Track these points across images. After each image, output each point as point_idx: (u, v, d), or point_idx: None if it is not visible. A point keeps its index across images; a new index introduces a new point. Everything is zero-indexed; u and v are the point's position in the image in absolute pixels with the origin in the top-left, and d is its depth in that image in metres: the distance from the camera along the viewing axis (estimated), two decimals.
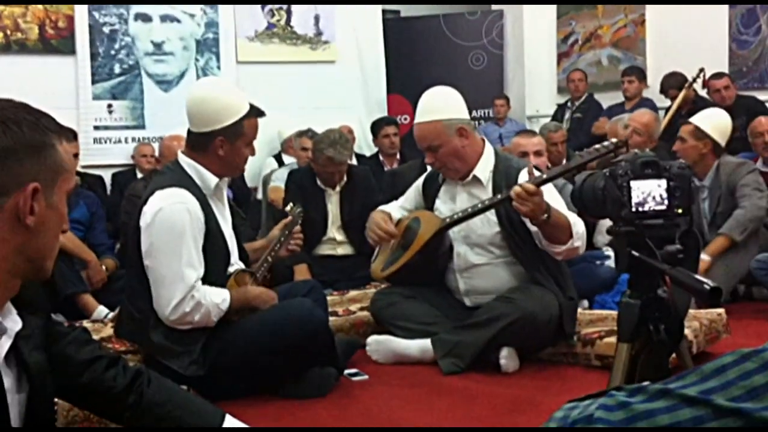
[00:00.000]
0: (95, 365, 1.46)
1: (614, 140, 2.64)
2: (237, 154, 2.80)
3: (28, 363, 1.26)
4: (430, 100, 3.17)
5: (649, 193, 1.62)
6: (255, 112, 2.82)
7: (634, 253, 1.60)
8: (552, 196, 2.96)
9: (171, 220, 2.61)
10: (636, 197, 1.61)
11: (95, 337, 2.69)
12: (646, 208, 1.62)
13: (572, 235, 2.91)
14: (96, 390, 1.45)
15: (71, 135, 3.95)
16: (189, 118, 2.81)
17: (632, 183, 1.61)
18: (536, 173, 2.90)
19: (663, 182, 1.62)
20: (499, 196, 3.01)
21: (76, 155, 4.45)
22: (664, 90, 6.45)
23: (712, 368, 0.85)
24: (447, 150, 3.11)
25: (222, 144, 2.75)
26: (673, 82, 6.35)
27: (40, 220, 1.23)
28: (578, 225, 2.94)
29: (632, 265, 1.64)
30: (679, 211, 1.63)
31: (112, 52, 6.60)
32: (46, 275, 1.29)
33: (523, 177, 2.90)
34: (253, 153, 2.87)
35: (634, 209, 1.61)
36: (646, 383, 0.93)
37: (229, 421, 1.54)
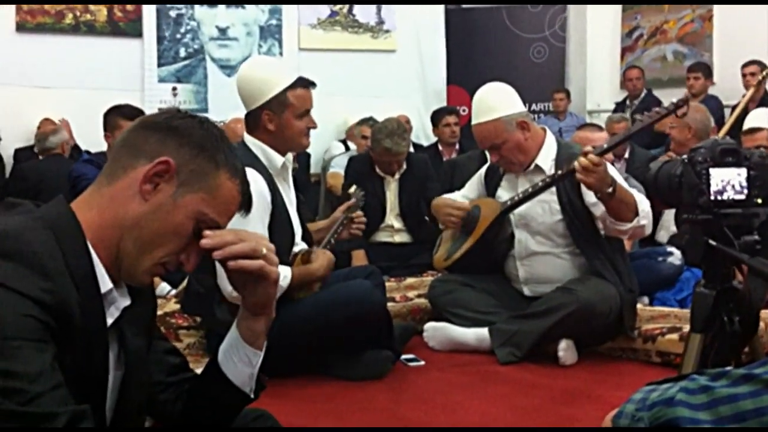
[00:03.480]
0: (176, 389, 1.44)
1: (673, 100, 2.62)
2: (287, 126, 2.79)
3: (127, 345, 1.27)
4: (484, 99, 3.14)
5: (728, 181, 1.59)
6: (300, 83, 2.82)
7: (711, 242, 1.57)
8: (615, 174, 2.94)
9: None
10: (715, 185, 1.58)
11: (158, 312, 2.76)
12: (725, 196, 1.59)
13: (638, 213, 2.88)
14: (161, 401, 1.44)
15: (134, 115, 4.01)
16: (241, 99, 2.86)
17: (711, 170, 1.58)
18: None
19: (743, 171, 1.59)
20: (560, 171, 2.99)
21: None
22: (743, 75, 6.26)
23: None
24: (510, 146, 3.09)
25: (270, 118, 2.77)
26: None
27: (156, 202, 1.21)
28: (644, 203, 2.91)
29: (707, 255, 1.60)
30: (759, 201, 1.59)
31: (178, 36, 6.72)
32: (132, 280, 1.24)
33: None
34: (312, 125, 2.86)
35: (712, 197, 1.58)
36: (729, 368, 0.92)
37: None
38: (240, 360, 1.37)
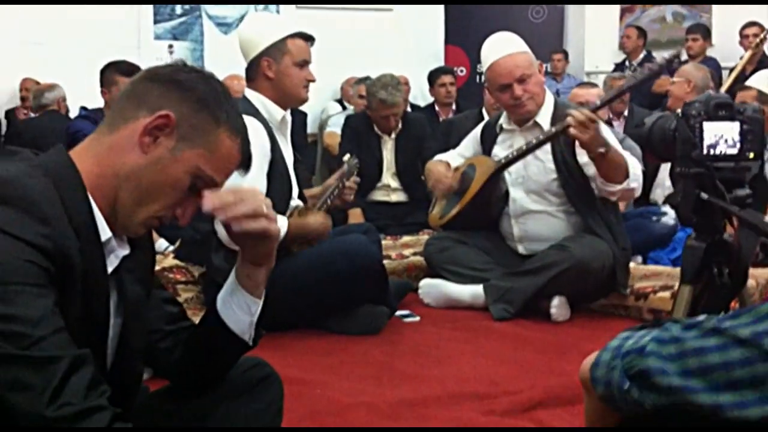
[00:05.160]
0: (174, 338, 1.45)
1: (665, 56, 2.64)
2: (286, 74, 2.82)
3: (126, 293, 1.28)
4: (509, 36, 3.18)
5: (721, 135, 1.61)
6: (300, 35, 2.85)
7: (703, 195, 1.59)
8: (608, 135, 2.96)
9: None
10: (708, 139, 1.60)
11: (156, 267, 2.78)
12: (718, 150, 1.61)
13: (628, 175, 2.90)
14: (160, 349, 1.45)
15: (131, 71, 3.98)
16: (242, 52, 2.89)
17: (705, 124, 1.59)
18: None
19: (736, 125, 1.60)
20: (554, 128, 3.00)
21: None
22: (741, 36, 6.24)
23: (767, 310, 0.86)
24: (536, 80, 3.11)
25: (269, 64, 2.80)
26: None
27: (155, 155, 1.21)
28: (635, 166, 2.94)
29: (699, 208, 1.63)
30: (751, 155, 1.61)
31: None
32: (127, 231, 1.24)
33: None
34: (311, 78, 2.88)
35: (705, 151, 1.60)
36: (702, 317, 0.93)
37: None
38: (239, 308, 1.38)
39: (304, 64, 2.84)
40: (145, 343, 1.38)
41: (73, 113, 5.49)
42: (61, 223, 1.11)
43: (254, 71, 2.84)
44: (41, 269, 1.06)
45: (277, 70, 2.81)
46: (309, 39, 2.87)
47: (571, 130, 2.78)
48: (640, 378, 0.92)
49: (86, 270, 1.14)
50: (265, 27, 2.85)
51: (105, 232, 1.20)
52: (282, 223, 2.75)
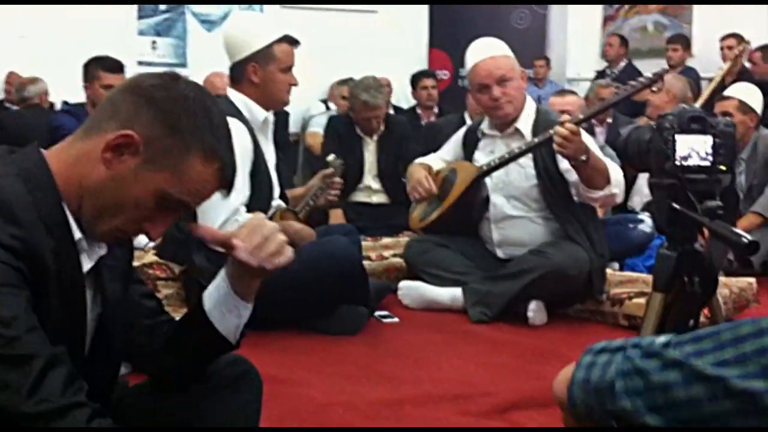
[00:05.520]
0: (153, 332, 1.45)
1: (650, 74, 2.69)
2: (272, 80, 2.84)
3: (105, 287, 1.29)
4: (494, 41, 3.25)
5: (693, 147, 1.65)
6: (287, 39, 2.87)
7: (675, 205, 1.64)
8: (590, 142, 3.00)
9: None
10: (680, 151, 1.64)
11: (136, 263, 2.79)
12: (690, 162, 1.65)
13: (609, 181, 2.95)
14: (138, 343, 1.45)
15: (119, 70, 3.99)
16: (227, 52, 2.90)
17: (678, 137, 1.64)
18: None
19: (709, 138, 1.65)
20: (537, 139, 3.05)
21: None
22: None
23: (730, 337, 0.84)
24: (516, 84, 3.16)
25: (255, 69, 2.82)
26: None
27: (117, 172, 1.18)
28: (616, 172, 2.99)
29: (671, 218, 1.67)
30: (723, 168, 1.66)
31: None
32: (93, 238, 1.23)
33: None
34: (294, 82, 2.91)
35: (678, 162, 1.65)
36: (663, 338, 0.91)
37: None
38: (228, 311, 1.37)
39: (289, 69, 2.87)
40: (123, 338, 1.39)
41: (58, 107, 5.49)
42: (33, 224, 1.11)
43: (239, 74, 2.86)
44: (13, 269, 1.07)
45: (263, 75, 2.83)
46: (294, 43, 2.89)
47: (555, 146, 2.82)
48: (619, 418, 0.90)
49: (60, 269, 1.15)
50: (251, 31, 2.85)
51: (77, 232, 1.20)
52: None
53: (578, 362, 1.00)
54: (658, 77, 2.75)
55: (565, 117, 2.99)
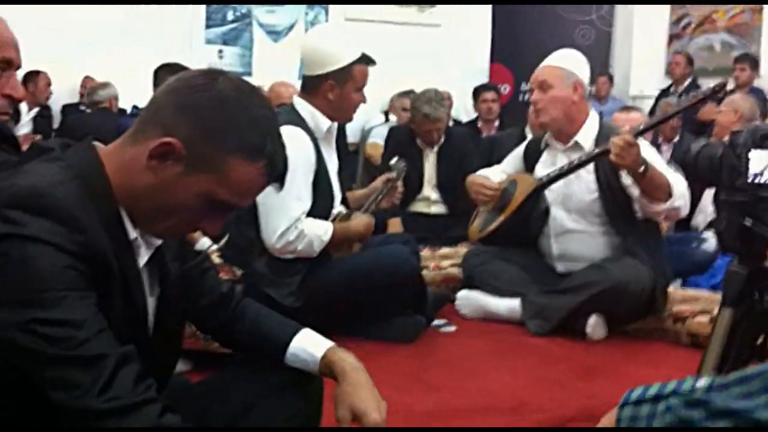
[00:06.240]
0: (215, 291, 1.51)
1: (711, 85, 2.66)
2: (346, 99, 2.89)
3: (164, 269, 1.33)
4: (562, 52, 3.26)
5: (767, 164, 1.63)
6: (365, 60, 2.90)
7: (746, 222, 1.62)
8: (651, 154, 2.98)
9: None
10: (753, 167, 1.62)
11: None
12: (763, 179, 1.63)
13: (671, 194, 2.91)
14: (211, 313, 1.51)
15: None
16: (304, 62, 2.93)
17: (751, 153, 1.62)
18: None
19: None
20: (596, 150, 3.03)
21: None
22: None
23: (760, 386, 0.82)
24: (556, 95, 3.15)
25: (332, 87, 2.85)
26: None
27: (164, 179, 1.19)
28: (679, 184, 2.94)
29: (742, 236, 1.65)
30: None
31: None
32: (149, 232, 1.26)
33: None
34: (363, 100, 2.96)
35: (750, 179, 1.62)
36: (703, 383, 0.89)
37: (302, 335, 1.51)
38: (301, 357, 1.49)
39: (362, 88, 2.92)
40: (182, 318, 1.44)
41: (129, 112, 5.67)
42: (94, 228, 1.15)
43: (314, 87, 2.88)
44: (81, 274, 1.11)
45: (339, 93, 2.86)
46: (371, 62, 2.92)
47: (612, 157, 2.81)
48: None
49: (121, 268, 1.19)
50: (333, 48, 2.86)
51: (132, 232, 1.24)
52: (327, 228, 2.82)
53: (618, 417, 0.98)
54: (720, 88, 2.73)
55: (625, 128, 2.97)
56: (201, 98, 1.19)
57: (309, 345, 1.48)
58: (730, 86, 6.69)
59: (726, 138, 1.70)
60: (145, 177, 1.19)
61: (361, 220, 2.92)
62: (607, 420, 1.00)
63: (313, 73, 2.88)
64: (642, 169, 2.82)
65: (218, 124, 1.18)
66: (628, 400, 0.98)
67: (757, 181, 1.65)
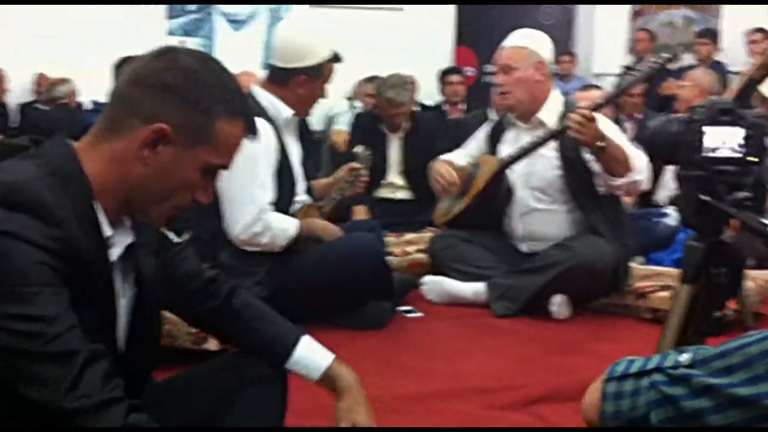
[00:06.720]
0: (199, 277, 1.50)
1: (663, 55, 2.71)
2: (312, 94, 2.89)
3: (139, 267, 1.31)
4: (523, 31, 3.27)
5: (723, 139, 1.64)
6: (335, 58, 2.90)
7: (703, 197, 1.63)
8: (611, 129, 3.01)
9: (246, 143, 2.69)
10: (709, 142, 1.63)
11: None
12: (719, 154, 1.64)
13: (631, 168, 2.93)
14: (196, 299, 1.50)
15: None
16: (276, 52, 2.90)
17: (707, 128, 1.62)
18: None
19: (738, 130, 1.64)
20: (554, 128, 3.05)
21: None
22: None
23: (740, 360, 0.83)
24: (520, 76, 3.15)
25: (303, 82, 2.83)
26: None
27: (159, 164, 1.20)
28: (638, 159, 2.96)
29: (699, 210, 1.66)
30: (753, 159, 1.64)
31: None
32: (146, 219, 1.28)
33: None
34: (325, 96, 2.96)
35: (706, 154, 1.63)
36: (686, 358, 0.90)
37: (305, 343, 1.55)
38: (304, 365, 1.54)
39: (326, 84, 2.92)
40: (160, 314, 1.42)
41: (87, 107, 5.58)
42: (71, 224, 1.14)
43: (283, 78, 2.85)
44: (55, 270, 1.10)
45: (309, 88, 2.85)
46: (340, 61, 2.92)
47: (571, 132, 2.84)
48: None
49: (94, 265, 1.18)
50: (312, 44, 2.84)
51: (107, 230, 1.22)
52: (293, 224, 2.82)
53: (604, 391, 0.99)
54: (669, 59, 2.78)
55: (583, 104, 2.99)
56: (171, 77, 1.20)
57: (313, 355, 1.54)
58: (692, 61, 6.77)
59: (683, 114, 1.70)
60: (138, 168, 1.20)
61: (332, 231, 2.92)
62: (592, 393, 1.01)
63: (285, 65, 2.85)
64: (602, 143, 2.83)
65: (197, 96, 1.21)
66: (613, 375, 0.99)
67: (712, 155, 1.66)
